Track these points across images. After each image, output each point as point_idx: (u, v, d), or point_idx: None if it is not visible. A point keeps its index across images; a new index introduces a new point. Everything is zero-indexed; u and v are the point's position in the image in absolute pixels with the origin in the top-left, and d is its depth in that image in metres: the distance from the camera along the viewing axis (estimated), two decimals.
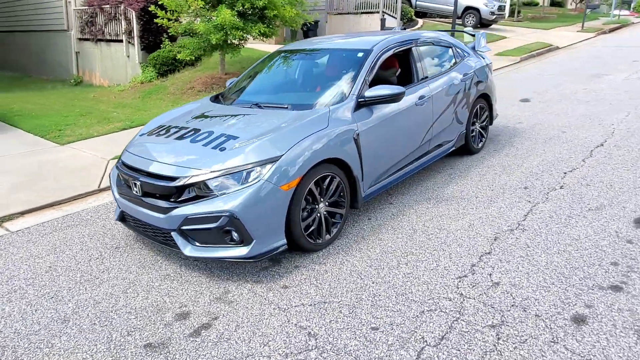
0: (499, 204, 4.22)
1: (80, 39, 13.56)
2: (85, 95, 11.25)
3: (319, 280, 3.20)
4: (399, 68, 4.76)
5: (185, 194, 3.14)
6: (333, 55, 4.42)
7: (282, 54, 4.77)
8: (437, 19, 21.62)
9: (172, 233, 3.19)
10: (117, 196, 3.63)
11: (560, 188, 4.52)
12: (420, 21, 20.32)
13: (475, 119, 5.50)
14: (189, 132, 3.63)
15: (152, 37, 11.44)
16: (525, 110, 7.68)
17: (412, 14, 20.14)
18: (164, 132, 3.77)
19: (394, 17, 19.34)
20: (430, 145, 4.68)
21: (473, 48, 5.72)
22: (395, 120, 4.09)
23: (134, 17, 11.26)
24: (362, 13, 20.28)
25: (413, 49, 4.60)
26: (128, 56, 11.98)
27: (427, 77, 4.64)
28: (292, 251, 3.52)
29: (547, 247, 3.46)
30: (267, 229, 3.14)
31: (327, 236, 3.59)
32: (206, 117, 3.92)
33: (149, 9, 9.91)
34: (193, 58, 9.40)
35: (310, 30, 20.60)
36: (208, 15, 8.87)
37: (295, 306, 2.93)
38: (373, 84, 4.21)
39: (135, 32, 11.43)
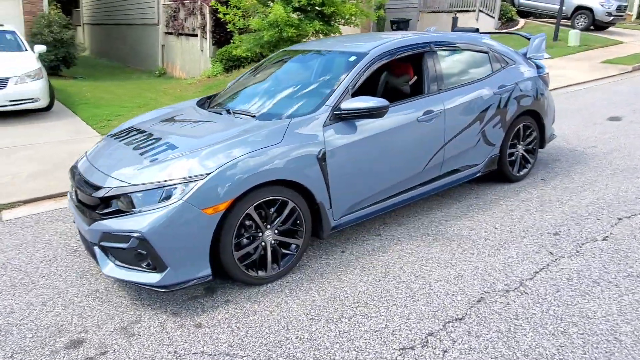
0: (510, 252, 3.36)
1: (166, 33, 14.27)
2: (158, 87, 11.74)
3: (240, 323, 2.71)
4: (415, 76, 4.05)
5: (111, 206, 2.84)
6: (325, 58, 3.85)
7: (285, 54, 4.30)
8: (543, 19, 19.45)
9: (95, 247, 2.92)
10: (68, 199, 3.47)
11: (603, 239, 3.50)
12: (522, 21, 18.39)
13: (515, 141, 4.56)
14: (142, 137, 3.34)
15: (222, 32, 11.57)
16: (607, 132, 6.35)
17: (514, 13, 18.32)
18: (124, 135, 3.53)
19: (491, 17, 17.78)
20: (441, 169, 3.91)
21: (524, 54, 4.74)
22: (386, 138, 3.43)
23: (208, 11, 11.47)
24: (456, 11, 18.94)
25: (426, 54, 3.86)
26: (202, 50, 12.29)
27: (442, 88, 3.87)
28: (234, 282, 3.08)
29: (542, 323, 2.61)
30: (185, 256, 2.72)
31: (275, 268, 3.08)
32: (171, 121, 3.61)
33: (212, 4, 9.99)
34: (249, 55, 9.27)
35: (400, 29, 19.80)
36: (263, 12, 8.65)
37: (193, 353, 2.49)
38: (371, 94, 3.61)
39: (208, 27, 11.67)
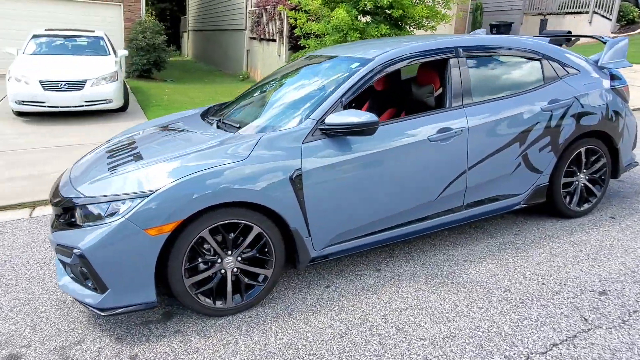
0: (531, 312, 2.66)
1: (250, 38, 14.63)
2: (233, 90, 12.01)
3: None
4: (441, 86, 3.46)
5: (68, 217, 2.71)
6: (333, 65, 3.40)
7: (306, 60, 3.92)
8: None
9: (56, 258, 2.82)
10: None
11: None
12: None
13: (574, 168, 3.72)
14: (123, 145, 3.21)
15: (298, 37, 11.51)
16: None
17: (636, 15, 15.97)
18: (123, 140, 3.42)
19: (607, 19, 15.73)
20: (464, 199, 3.27)
21: (596, 62, 3.85)
22: (384, 159, 2.91)
23: (285, 17, 11.48)
24: (565, 13, 17.06)
25: (451, 60, 3.25)
26: (279, 55, 12.35)
27: (469, 102, 3.23)
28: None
29: None
30: (128, 279, 2.49)
31: (237, 300, 2.74)
32: (163, 130, 3.42)
33: (280, 9, 9.91)
34: None
35: (501, 32, 18.35)
36: (328, 15, 8.35)
37: None
38: (385, 105, 3.13)
39: (285, 32, 11.67)
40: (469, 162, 3.20)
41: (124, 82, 8.63)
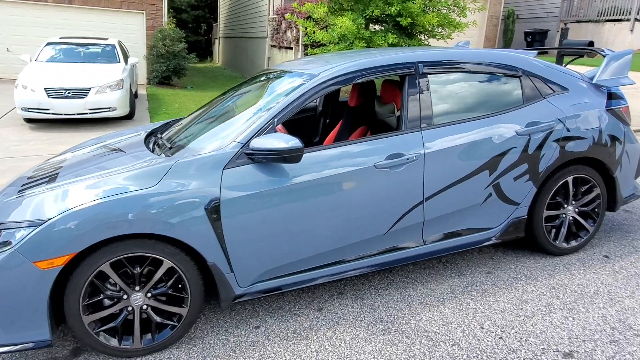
0: None
1: (271, 46, 14.53)
2: None
3: None
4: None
5: None
6: (279, 81, 3.10)
7: (262, 73, 3.61)
8: None
9: None
10: None
11: None
12: None
13: (561, 199, 3.26)
14: (55, 163, 3.03)
15: (313, 45, 11.29)
16: None
17: None
18: (57, 159, 3.25)
19: None
20: (423, 233, 2.90)
21: (591, 79, 3.38)
22: (321, 189, 2.59)
23: (301, 25, 11.29)
24: (605, 21, 16.07)
25: (409, 77, 2.88)
26: None
27: (429, 124, 2.86)
28: None
29: None
30: (18, 315, 2.27)
31: (148, 341, 2.48)
32: (101, 148, 3.21)
33: (288, 17, 9.70)
34: None
35: (537, 41, 17.55)
36: (334, 23, 8.06)
37: None
38: (337, 125, 2.83)
39: (300, 40, 11.47)
40: (425, 192, 2.82)
41: (130, 89, 8.63)
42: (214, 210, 2.42)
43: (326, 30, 8.46)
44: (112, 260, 2.32)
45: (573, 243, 3.36)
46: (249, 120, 2.66)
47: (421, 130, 2.83)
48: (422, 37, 8.62)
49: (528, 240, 3.29)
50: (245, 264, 2.56)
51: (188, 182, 2.41)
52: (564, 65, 4.04)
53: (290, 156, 2.40)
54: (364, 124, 3.57)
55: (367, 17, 7.81)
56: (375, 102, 3.36)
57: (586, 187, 3.32)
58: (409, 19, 7.53)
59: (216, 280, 2.52)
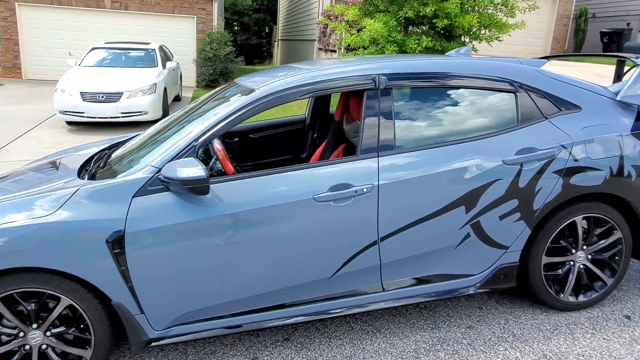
0: None
1: (318, 49, 14.27)
2: (288, 104, 11.70)
3: None
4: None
5: None
6: (227, 94, 2.74)
7: (225, 87, 3.23)
8: None
9: None
10: None
11: None
12: None
13: (567, 243, 2.64)
14: (12, 174, 2.89)
15: (354, 49, 10.85)
16: None
17: None
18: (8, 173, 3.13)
19: None
20: (381, 278, 2.43)
21: (615, 94, 2.71)
22: (249, 223, 2.22)
23: (335, 28, 10.91)
24: None
25: (368, 93, 2.42)
26: None
27: (390, 150, 2.38)
28: None
29: None
30: None
31: None
32: (47, 164, 3.00)
33: (321, 19, 9.32)
34: None
35: (614, 42, 15.88)
36: (364, 26, 7.60)
37: None
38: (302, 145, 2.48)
39: (343, 43, 11.08)
40: (381, 230, 2.36)
41: (164, 93, 8.71)
42: (117, 243, 2.13)
43: (360, 33, 8.03)
44: (2, 294, 2.11)
45: (583, 297, 2.71)
46: (173, 141, 2.34)
47: (378, 156, 2.37)
48: (466, 40, 7.93)
49: (524, 290, 2.70)
50: (158, 305, 2.25)
51: (89, 212, 2.14)
52: (624, 73, 3.30)
53: (194, 187, 2.06)
54: (346, 142, 3.15)
55: (401, 18, 7.27)
56: (344, 119, 2.92)
57: (603, 229, 2.66)
58: (446, 20, 6.90)
59: (123, 322, 2.23)
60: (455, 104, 2.52)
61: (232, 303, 2.33)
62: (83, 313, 2.20)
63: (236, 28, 28.01)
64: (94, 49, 9.50)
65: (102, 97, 7.92)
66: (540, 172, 2.47)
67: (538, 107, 2.57)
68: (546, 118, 2.56)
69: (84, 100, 7.88)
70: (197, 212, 2.19)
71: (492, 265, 2.57)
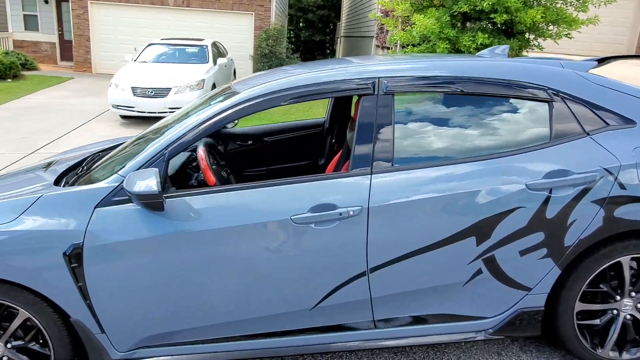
0: None
1: (376, 46, 13.82)
2: None
3: None
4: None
5: None
6: (210, 100, 2.47)
7: (219, 89, 3.00)
8: None
9: None
10: None
11: None
12: None
13: (607, 287, 2.14)
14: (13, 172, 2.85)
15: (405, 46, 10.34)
16: None
17: None
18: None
19: None
20: (373, 313, 2.10)
21: None
22: (218, 243, 1.97)
23: (393, 24, 10.43)
24: None
25: (365, 99, 2.07)
26: None
27: (387, 166, 2.03)
28: None
29: None
30: None
31: None
32: (43, 165, 2.92)
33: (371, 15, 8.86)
34: None
35: None
36: (413, 22, 7.11)
37: None
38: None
39: (399, 42, 10.60)
40: (371, 260, 2.02)
41: (212, 89, 8.74)
42: (75, 256, 1.97)
43: (410, 30, 7.56)
44: None
45: (628, 355, 2.20)
46: (146, 147, 2.14)
47: (371, 173, 2.03)
48: (530, 37, 7.21)
49: (551, 339, 2.24)
50: (120, 325, 2.07)
51: (49, 221, 1.99)
52: None
53: (146, 203, 1.85)
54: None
55: (456, 13, 6.72)
56: (349, 126, 2.60)
57: None
58: (505, 15, 6.27)
59: (83, 341, 2.07)
60: (472, 114, 2.11)
61: (202, 329, 2.10)
62: (41, 328, 2.07)
63: (301, 24, 28.07)
64: (150, 44, 9.75)
65: (151, 92, 8.07)
66: (575, 200, 2.00)
67: (578, 120, 2.09)
68: (587, 134, 2.08)
69: (134, 95, 8.07)
70: (161, 227, 1.97)
71: (510, 308, 2.14)
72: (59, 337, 2.09)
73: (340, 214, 1.97)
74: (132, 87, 8.10)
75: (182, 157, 2.71)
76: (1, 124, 8.21)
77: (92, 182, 2.10)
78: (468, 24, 7.26)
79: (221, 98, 2.27)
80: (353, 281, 2.05)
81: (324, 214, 1.97)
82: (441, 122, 2.11)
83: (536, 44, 7.08)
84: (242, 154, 3.60)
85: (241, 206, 1.98)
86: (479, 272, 2.07)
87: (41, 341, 2.11)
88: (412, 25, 7.51)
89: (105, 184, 2.03)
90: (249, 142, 3.60)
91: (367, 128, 2.06)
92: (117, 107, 8.19)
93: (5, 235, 1.97)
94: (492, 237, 2.03)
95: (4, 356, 2.12)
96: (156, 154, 2.05)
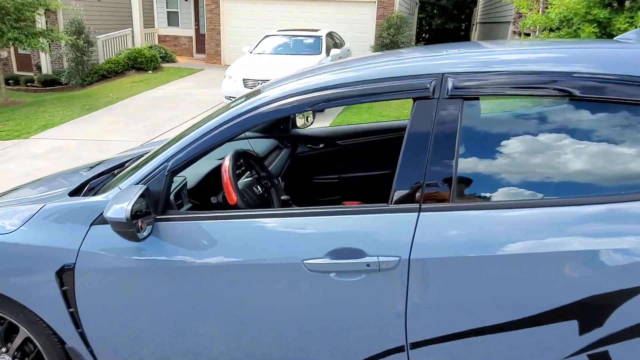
0: None
1: (513, 32, 12.26)
2: None
3: None
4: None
5: None
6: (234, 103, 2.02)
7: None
8: None
9: None
10: None
11: None
12: None
13: None
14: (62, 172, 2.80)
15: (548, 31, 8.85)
16: None
17: None
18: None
19: None
20: None
21: None
22: (218, 283, 1.56)
23: (527, 6, 9.01)
24: None
25: (419, 103, 1.44)
26: None
27: (445, 198, 1.39)
28: None
29: None
30: None
31: None
32: (86, 168, 2.70)
33: None
34: None
35: None
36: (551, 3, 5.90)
37: None
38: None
39: (529, 24, 9.17)
40: (411, 332, 1.42)
41: None
42: (66, 276, 1.72)
43: (547, 12, 6.35)
44: None
45: None
46: (151, 158, 1.81)
47: (420, 210, 1.41)
48: None
49: None
50: (113, 356, 1.79)
51: (44, 235, 1.76)
52: None
53: (119, 232, 1.49)
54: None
55: None
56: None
57: None
58: None
59: None
60: (582, 130, 1.37)
61: None
62: (40, 349, 1.88)
63: (435, 12, 26.61)
64: (266, 36, 9.81)
65: (261, 84, 8.06)
66: None
67: None
68: None
69: (245, 86, 8.14)
70: (154, 253, 1.62)
71: None
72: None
73: (368, 265, 1.41)
74: (243, 79, 8.18)
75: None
76: (135, 113, 8.96)
77: (99, 194, 1.84)
78: (627, 3, 5.83)
79: (242, 100, 1.85)
80: (385, 357, 1.48)
81: (345, 262, 1.43)
82: (530, 138, 1.41)
83: None
84: (313, 159, 3.16)
85: (244, 240, 1.53)
86: None
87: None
88: (550, 6, 6.31)
89: (103, 198, 1.74)
90: (321, 145, 3.15)
91: (419, 144, 1.45)
92: (229, 98, 8.36)
93: (6, 245, 1.80)
94: (607, 325, 1.29)
95: None
96: (156, 168, 1.69)
